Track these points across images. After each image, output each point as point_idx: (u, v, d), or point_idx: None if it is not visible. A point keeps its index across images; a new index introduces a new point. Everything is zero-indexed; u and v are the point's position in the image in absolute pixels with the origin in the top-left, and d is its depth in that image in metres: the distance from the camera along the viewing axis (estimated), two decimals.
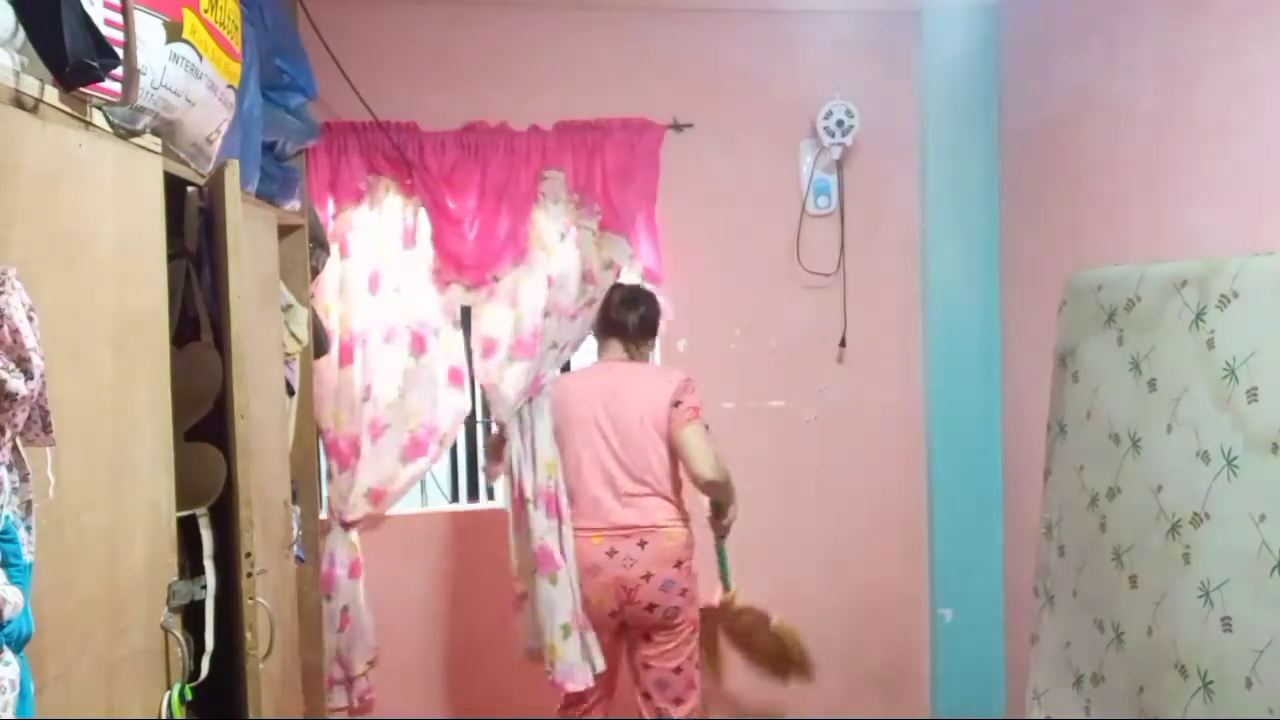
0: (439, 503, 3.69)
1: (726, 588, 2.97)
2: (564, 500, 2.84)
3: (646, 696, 2.85)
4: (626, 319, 2.89)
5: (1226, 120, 2.29)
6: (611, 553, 2.73)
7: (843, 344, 3.40)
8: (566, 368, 3.19)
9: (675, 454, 2.76)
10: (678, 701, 2.80)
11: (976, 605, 3.41)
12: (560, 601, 2.82)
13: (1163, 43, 2.50)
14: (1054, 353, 2.72)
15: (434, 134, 3.09)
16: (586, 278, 3.12)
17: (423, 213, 3.14)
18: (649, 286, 3.09)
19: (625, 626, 2.82)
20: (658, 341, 3.06)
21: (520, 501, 2.97)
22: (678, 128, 3.27)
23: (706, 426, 2.77)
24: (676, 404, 2.75)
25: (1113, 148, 2.72)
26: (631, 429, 2.76)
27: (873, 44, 3.38)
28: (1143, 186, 2.61)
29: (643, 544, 2.72)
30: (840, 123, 3.27)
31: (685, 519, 2.80)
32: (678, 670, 2.79)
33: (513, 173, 3.12)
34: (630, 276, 3.19)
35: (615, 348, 2.91)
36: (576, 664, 2.81)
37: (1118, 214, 2.71)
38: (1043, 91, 3.05)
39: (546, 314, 3.08)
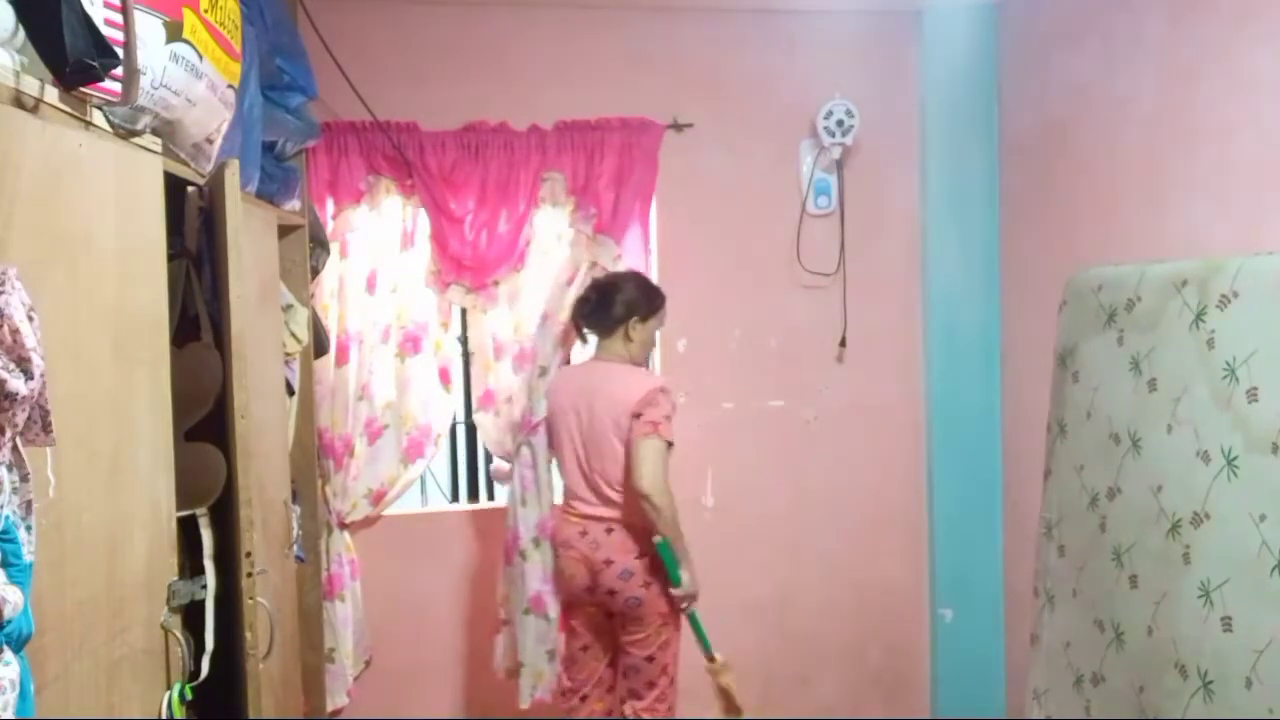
0: (439, 503, 3.69)
1: (709, 658, 2.92)
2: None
3: (622, 677, 2.86)
4: (584, 311, 2.90)
5: (1226, 120, 2.29)
6: (583, 532, 2.80)
7: (843, 344, 3.40)
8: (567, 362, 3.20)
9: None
10: (649, 685, 2.80)
11: (976, 605, 3.41)
12: (550, 631, 3.08)
13: (1163, 43, 2.50)
14: (1054, 353, 2.72)
15: (434, 134, 3.09)
16: (570, 281, 3.15)
17: (422, 213, 3.14)
18: (628, 270, 3.03)
19: (608, 611, 2.85)
20: (657, 336, 3.00)
21: (514, 543, 3.08)
22: (678, 128, 3.27)
23: (670, 444, 2.72)
24: (637, 415, 2.73)
25: (1113, 148, 2.72)
26: (597, 432, 2.78)
27: (873, 44, 3.38)
28: (1143, 186, 2.61)
29: (609, 530, 2.77)
30: (840, 123, 3.27)
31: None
32: (649, 659, 2.80)
33: (513, 173, 3.12)
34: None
35: (593, 343, 2.93)
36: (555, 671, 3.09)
37: (1118, 214, 2.71)
38: (1043, 91, 3.05)
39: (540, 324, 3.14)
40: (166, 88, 1.46)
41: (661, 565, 2.74)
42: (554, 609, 3.09)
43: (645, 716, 2.82)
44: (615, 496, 2.77)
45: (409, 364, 3.16)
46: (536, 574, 3.08)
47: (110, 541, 1.34)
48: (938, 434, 3.42)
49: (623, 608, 2.78)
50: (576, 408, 2.83)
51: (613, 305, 2.85)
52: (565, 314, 3.11)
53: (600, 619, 2.88)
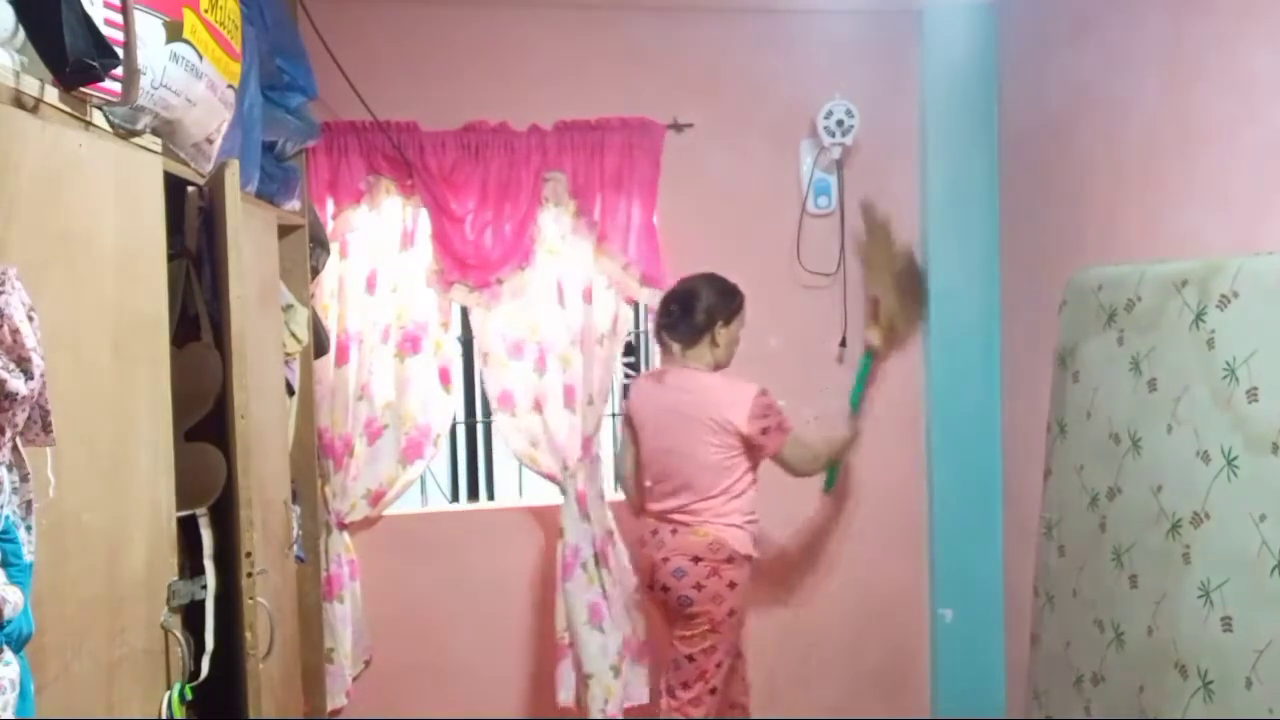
0: (439, 503, 3.69)
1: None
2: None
3: (671, 667, 2.87)
4: (667, 323, 2.89)
5: (1226, 120, 2.29)
6: (654, 531, 2.85)
7: (843, 344, 3.40)
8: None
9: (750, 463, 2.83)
10: (684, 686, 2.81)
11: (976, 605, 3.41)
12: (610, 644, 3.16)
13: (1163, 42, 2.50)
14: (1054, 353, 2.72)
15: (434, 134, 3.09)
16: (585, 296, 3.18)
17: (422, 213, 3.14)
18: (701, 275, 2.98)
19: (664, 606, 2.89)
20: (722, 334, 2.90)
21: (574, 558, 3.16)
22: (678, 128, 3.27)
23: (792, 430, 2.83)
24: (764, 431, 2.77)
25: (1113, 148, 2.72)
26: (687, 441, 2.79)
27: (873, 44, 3.37)
28: (1143, 186, 2.60)
29: (675, 531, 2.80)
30: (840, 123, 3.27)
31: (734, 525, 2.78)
32: (690, 658, 2.80)
33: (514, 173, 3.12)
34: (628, 283, 3.20)
35: (669, 349, 2.92)
36: (630, 683, 3.21)
37: (1118, 214, 2.71)
38: (1042, 91, 3.05)
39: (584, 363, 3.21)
40: (166, 88, 1.46)
41: (721, 574, 2.76)
42: (611, 621, 3.18)
43: (676, 715, 2.82)
44: (696, 502, 2.78)
45: (409, 364, 3.16)
46: (595, 588, 3.18)
47: (110, 541, 1.34)
48: (938, 434, 3.41)
49: (675, 605, 2.80)
50: (664, 416, 2.85)
51: (695, 314, 2.85)
52: (606, 345, 3.20)
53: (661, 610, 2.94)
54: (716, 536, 2.76)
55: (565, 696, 3.19)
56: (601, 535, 3.21)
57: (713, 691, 2.82)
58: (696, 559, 2.75)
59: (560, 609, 3.19)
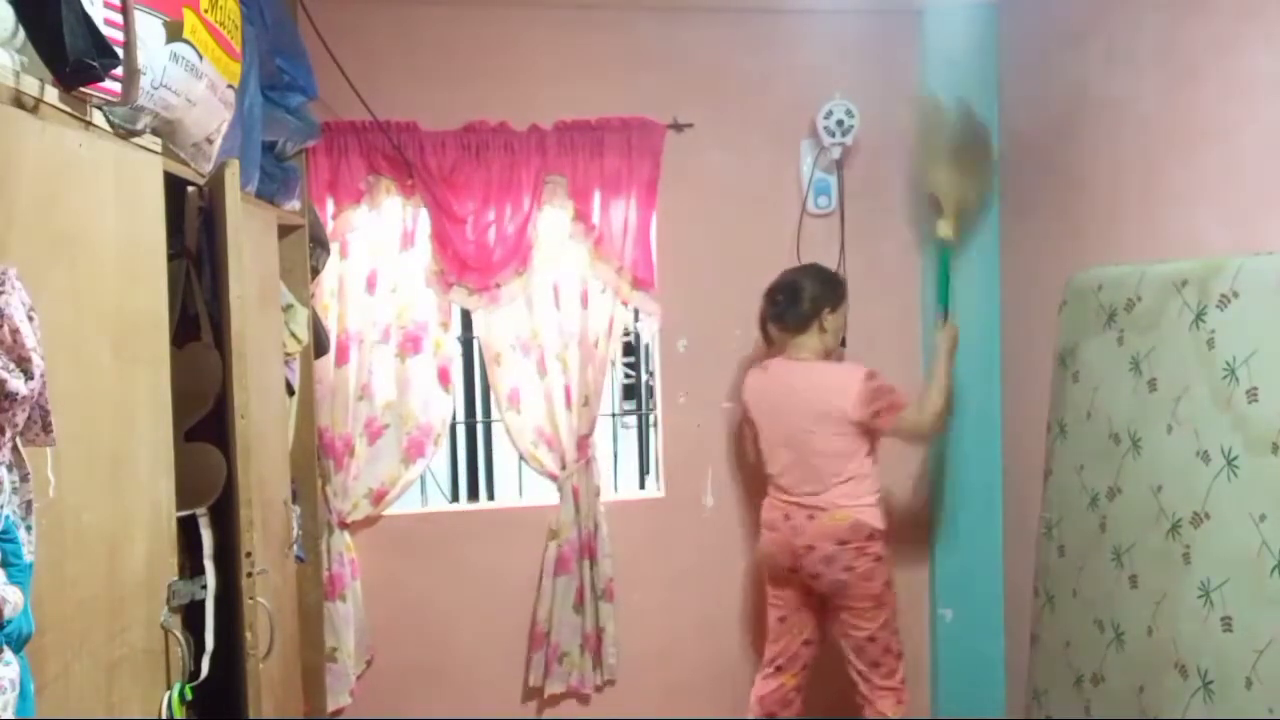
0: (439, 503, 3.69)
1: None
2: None
3: (849, 662, 2.95)
4: (776, 314, 2.96)
5: (1226, 120, 2.29)
6: (786, 516, 2.90)
7: (843, 344, 3.40)
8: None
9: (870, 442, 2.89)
10: (874, 665, 2.90)
11: (976, 605, 3.41)
12: (586, 625, 3.28)
13: (1163, 43, 2.49)
14: (1054, 353, 2.72)
15: (434, 134, 3.09)
16: (582, 300, 3.20)
17: (422, 213, 3.14)
18: (804, 265, 3.08)
19: (811, 591, 2.94)
20: (829, 320, 2.96)
21: (572, 555, 3.26)
22: (678, 128, 3.27)
23: (902, 404, 2.85)
24: (876, 414, 2.82)
25: (1113, 147, 2.72)
26: (806, 430, 2.86)
27: (873, 44, 3.37)
28: (1143, 186, 2.60)
29: (811, 517, 2.85)
30: (840, 123, 3.27)
31: (867, 504, 2.85)
32: (870, 639, 2.88)
33: (514, 173, 3.12)
34: (621, 286, 3.21)
35: (775, 340, 2.99)
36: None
37: (1118, 214, 2.71)
38: (1043, 91, 3.05)
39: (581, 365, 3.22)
40: (166, 88, 1.46)
41: (868, 552, 2.83)
42: (585, 606, 3.27)
43: (877, 698, 2.90)
44: (823, 488, 2.85)
45: (409, 364, 3.17)
46: (577, 579, 3.26)
47: (110, 541, 1.34)
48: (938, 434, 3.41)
49: (829, 590, 2.87)
50: (778, 408, 2.93)
51: (802, 302, 2.92)
52: (602, 347, 3.21)
53: (803, 596, 2.97)
54: (855, 519, 2.83)
55: (535, 679, 3.26)
56: (589, 532, 3.24)
57: (899, 656, 2.93)
58: (842, 542, 2.82)
59: (545, 599, 3.23)
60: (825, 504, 2.84)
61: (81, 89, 1.25)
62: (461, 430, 3.97)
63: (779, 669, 3.03)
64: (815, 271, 3.00)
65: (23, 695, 1.01)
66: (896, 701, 2.90)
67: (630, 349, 3.93)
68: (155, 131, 1.52)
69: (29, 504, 1.04)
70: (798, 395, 2.89)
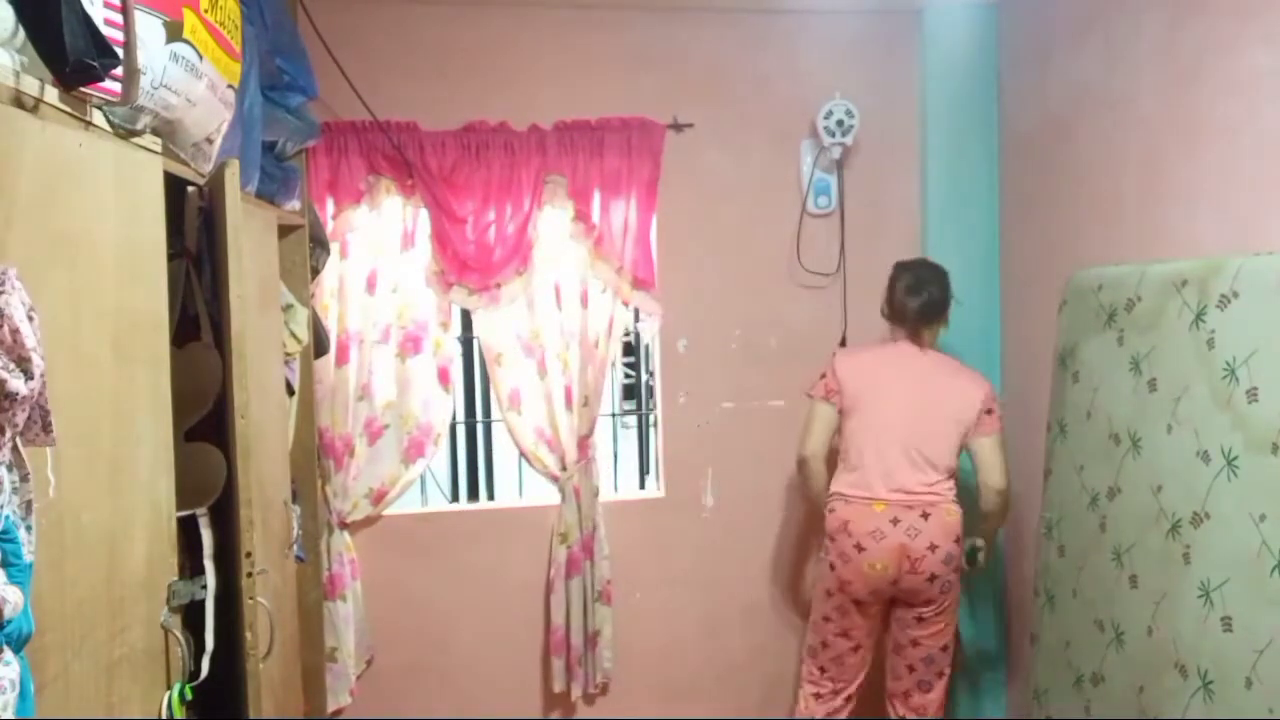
0: (439, 503, 3.69)
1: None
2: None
3: (907, 672, 2.89)
4: (921, 305, 2.87)
5: (1226, 120, 2.29)
6: (895, 520, 2.75)
7: (843, 344, 3.40)
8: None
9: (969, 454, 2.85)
10: (940, 675, 2.88)
11: (976, 605, 3.41)
12: (589, 626, 3.27)
13: (1163, 43, 2.49)
14: (1054, 353, 2.72)
15: (434, 134, 3.09)
16: (582, 300, 3.20)
17: (422, 213, 3.14)
18: (922, 258, 3.05)
19: (893, 602, 2.85)
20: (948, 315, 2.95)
21: (581, 555, 3.27)
22: (678, 128, 3.27)
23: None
24: (989, 411, 2.81)
25: (1113, 148, 2.72)
26: (935, 418, 2.80)
27: (873, 44, 3.37)
28: (1143, 186, 2.60)
29: (925, 515, 2.75)
30: (840, 123, 3.27)
31: (958, 502, 2.83)
32: (944, 648, 2.87)
33: (514, 173, 3.13)
34: (621, 286, 3.21)
35: (911, 328, 2.89)
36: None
37: (1118, 214, 2.71)
38: (1043, 91, 3.05)
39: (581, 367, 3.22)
40: (166, 88, 1.46)
41: (960, 553, 2.81)
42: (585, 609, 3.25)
43: (928, 703, 2.88)
44: (936, 482, 2.78)
45: (409, 364, 3.17)
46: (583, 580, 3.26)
47: (110, 541, 1.34)
48: None
49: (930, 594, 2.78)
50: (906, 392, 2.82)
51: (947, 293, 2.91)
52: (602, 347, 3.21)
53: (879, 617, 2.88)
54: (959, 512, 2.80)
55: (559, 685, 3.25)
56: (589, 533, 3.25)
57: (952, 659, 2.91)
58: (958, 539, 2.79)
59: (560, 603, 3.22)
60: (939, 496, 2.76)
61: (81, 89, 1.25)
62: (461, 430, 3.97)
63: (850, 698, 2.96)
64: (937, 265, 2.97)
65: (23, 695, 1.01)
66: (940, 700, 2.90)
67: (630, 349, 3.93)
68: (155, 131, 1.52)
69: (29, 504, 1.04)
70: (936, 384, 2.82)
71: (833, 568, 2.83)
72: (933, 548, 2.74)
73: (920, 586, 2.77)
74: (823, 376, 2.95)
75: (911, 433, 2.79)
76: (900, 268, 2.96)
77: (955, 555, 2.79)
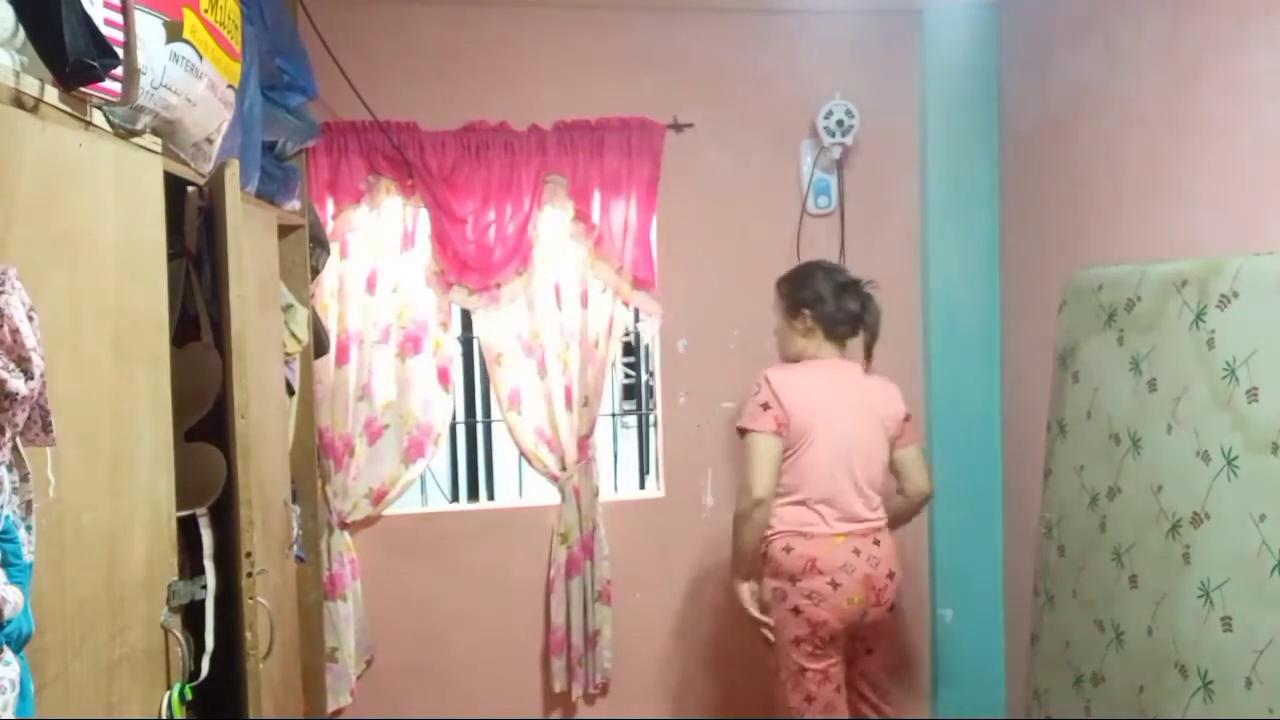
0: (439, 503, 3.69)
1: None
2: None
3: (863, 700, 2.80)
4: (854, 315, 2.72)
5: (1226, 120, 2.29)
6: (856, 550, 2.59)
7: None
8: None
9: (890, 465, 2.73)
10: (888, 697, 2.83)
11: (976, 605, 3.41)
12: (589, 625, 3.27)
13: (1163, 43, 2.50)
14: (1054, 353, 2.73)
15: (434, 134, 3.09)
16: (582, 300, 3.20)
17: (422, 213, 3.14)
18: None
19: (853, 633, 2.68)
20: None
21: (582, 556, 3.25)
22: (678, 128, 3.27)
23: None
24: (907, 418, 2.74)
25: (1113, 148, 2.72)
26: (868, 438, 2.66)
27: (873, 44, 3.37)
28: (1143, 186, 2.61)
29: (877, 542, 2.63)
30: (840, 123, 3.27)
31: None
32: (887, 663, 2.84)
33: (514, 173, 3.13)
34: (622, 286, 3.21)
35: (833, 346, 2.72)
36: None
37: (1118, 214, 2.71)
38: (1043, 91, 3.05)
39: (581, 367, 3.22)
40: (166, 88, 1.46)
41: None
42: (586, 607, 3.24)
43: (893, 712, 2.82)
44: (877, 503, 2.66)
45: (409, 364, 3.17)
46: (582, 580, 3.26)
47: (110, 541, 1.34)
48: (938, 434, 3.41)
49: (884, 617, 2.67)
50: (846, 412, 2.64)
51: (876, 308, 2.74)
52: (602, 347, 3.19)
53: (846, 649, 2.70)
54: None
55: (560, 684, 3.25)
56: (589, 533, 3.25)
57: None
58: (902, 564, 2.73)
59: (561, 603, 3.22)
60: (881, 519, 2.66)
61: (81, 89, 1.25)
62: (461, 430, 3.97)
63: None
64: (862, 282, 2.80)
65: (23, 695, 1.01)
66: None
67: (630, 349, 3.93)
68: (155, 131, 1.52)
69: (29, 504, 1.04)
70: (864, 400, 2.67)
71: (798, 611, 2.57)
72: (891, 575, 2.63)
73: (882, 618, 2.67)
74: (765, 407, 2.61)
75: (855, 457, 2.63)
76: (815, 269, 2.78)
77: (901, 581, 2.70)
